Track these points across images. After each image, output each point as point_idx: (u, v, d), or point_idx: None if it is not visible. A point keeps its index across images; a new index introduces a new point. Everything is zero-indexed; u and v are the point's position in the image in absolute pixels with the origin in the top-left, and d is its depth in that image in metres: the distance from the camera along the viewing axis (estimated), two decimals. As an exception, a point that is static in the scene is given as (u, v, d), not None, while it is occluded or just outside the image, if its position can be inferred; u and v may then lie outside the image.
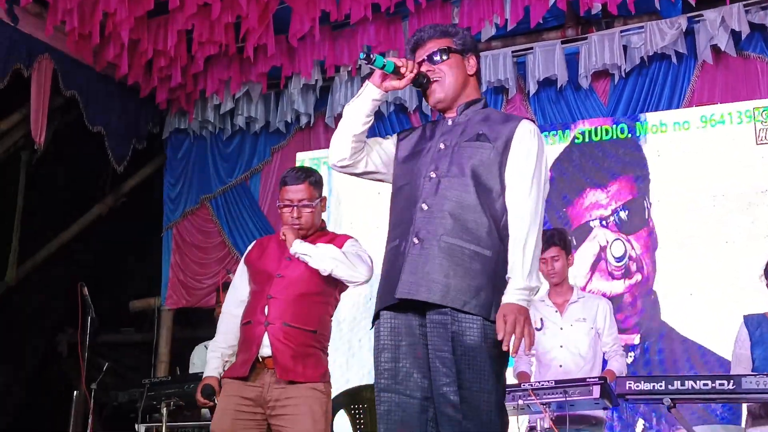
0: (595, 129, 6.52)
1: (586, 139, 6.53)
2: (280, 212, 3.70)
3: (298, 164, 7.32)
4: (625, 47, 6.52)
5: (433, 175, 2.58)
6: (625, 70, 6.51)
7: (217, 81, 7.30)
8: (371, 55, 2.54)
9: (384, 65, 2.57)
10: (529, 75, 6.75)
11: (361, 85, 2.70)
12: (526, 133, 2.63)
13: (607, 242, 6.28)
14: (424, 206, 2.54)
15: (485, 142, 2.61)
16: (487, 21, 6.46)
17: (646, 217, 6.18)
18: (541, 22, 6.42)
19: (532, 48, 6.78)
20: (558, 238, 4.59)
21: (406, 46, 2.77)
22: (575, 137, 6.56)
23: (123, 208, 8.25)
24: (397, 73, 2.62)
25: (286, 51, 7.03)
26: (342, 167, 2.70)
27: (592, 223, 6.33)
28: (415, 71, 2.63)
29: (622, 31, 6.55)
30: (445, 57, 2.68)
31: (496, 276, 2.52)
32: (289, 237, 3.60)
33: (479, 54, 2.80)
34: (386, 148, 2.74)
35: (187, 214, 7.80)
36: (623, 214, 6.25)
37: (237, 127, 7.75)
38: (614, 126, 6.50)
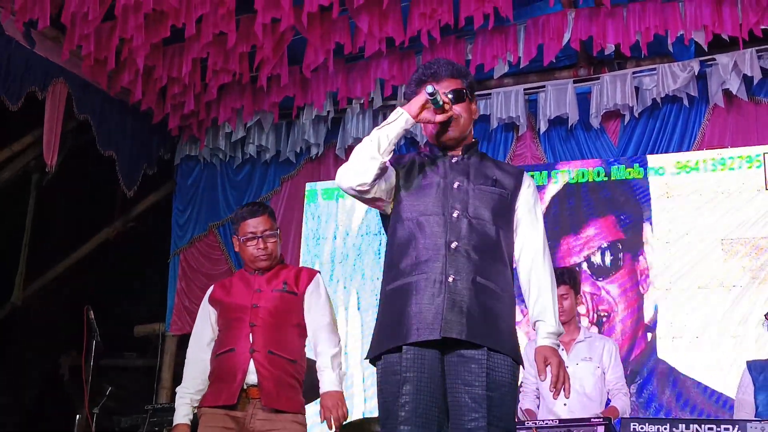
0: (603, 168, 6.55)
1: (595, 178, 6.55)
2: (241, 249, 3.64)
3: (308, 194, 7.44)
4: (636, 88, 6.55)
5: (456, 214, 2.60)
6: (636, 111, 6.55)
7: (229, 109, 7.33)
8: (436, 91, 2.59)
9: (437, 101, 2.62)
10: (541, 113, 6.77)
11: (376, 119, 2.71)
12: (531, 185, 2.75)
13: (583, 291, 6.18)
14: (454, 245, 2.56)
15: (502, 189, 2.67)
16: (500, 58, 6.44)
17: (640, 254, 6.19)
18: (554, 60, 6.38)
19: (544, 86, 6.81)
20: (568, 277, 4.62)
21: (417, 76, 2.76)
22: (580, 176, 6.60)
23: (131, 232, 8.26)
24: (441, 109, 2.65)
25: (299, 82, 7.05)
26: (360, 191, 2.64)
27: (580, 259, 6.35)
28: (452, 110, 2.67)
29: (634, 73, 6.57)
30: (462, 97, 2.72)
31: (512, 318, 2.61)
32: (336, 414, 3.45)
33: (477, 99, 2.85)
34: (389, 175, 2.72)
35: (194, 240, 7.83)
36: (599, 258, 6.31)
37: (247, 156, 7.78)
38: (620, 166, 6.52)
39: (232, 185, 7.84)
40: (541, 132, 6.83)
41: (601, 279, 6.32)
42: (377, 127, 2.65)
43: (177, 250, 7.83)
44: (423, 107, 2.64)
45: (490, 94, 6.92)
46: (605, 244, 6.41)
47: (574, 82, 6.75)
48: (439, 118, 2.65)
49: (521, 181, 2.73)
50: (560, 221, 6.56)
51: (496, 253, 2.60)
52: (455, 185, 2.66)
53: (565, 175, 6.69)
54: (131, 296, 8.81)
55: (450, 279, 2.51)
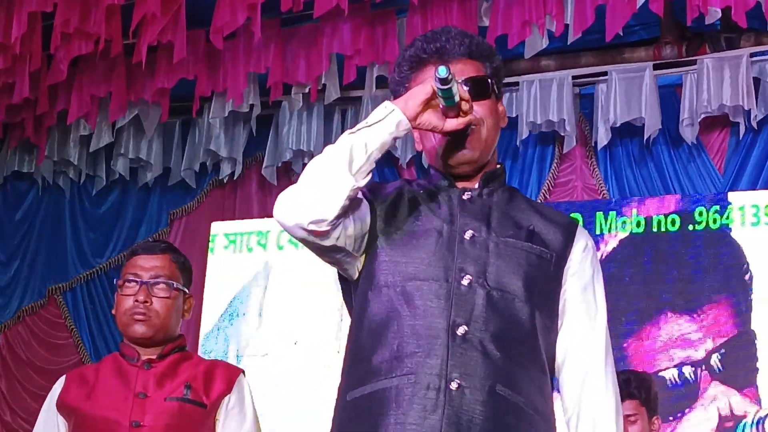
0: (698, 210, 6.53)
1: (680, 226, 6.55)
2: (116, 304, 3.66)
3: (215, 240, 7.51)
4: (757, 80, 6.52)
5: (465, 281, 2.58)
6: (756, 117, 6.48)
7: (88, 99, 7.29)
8: (452, 75, 2.52)
9: (454, 94, 2.56)
10: (600, 117, 6.78)
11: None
12: (589, 247, 2.76)
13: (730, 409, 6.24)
14: (461, 330, 2.53)
15: (542, 247, 2.68)
16: (536, 26, 6.39)
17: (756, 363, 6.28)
18: (621, 34, 6.30)
19: (606, 74, 6.82)
20: (636, 387, 4.62)
21: (412, 53, 2.78)
22: (663, 221, 6.62)
23: None
24: (455, 108, 2.58)
25: (205, 56, 7.05)
26: (312, 232, 2.57)
27: (667, 373, 6.37)
28: (472, 114, 2.64)
29: (753, 55, 6.55)
30: (484, 95, 2.72)
31: None
32: None
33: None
34: (360, 213, 2.68)
35: (23, 313, 7.83)
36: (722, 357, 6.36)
37: (116, 176, 7.79)
38: (727, 208, 6.50)
39: (89, 223, 7.84)
40: (600, 147, 6.84)
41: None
42: (349, 131, 2.62)
43: (-5, 329, 7.86)
44: (427, 103, 2.59)
45: (517, 84, 6.92)
46: (716, 345, 6.36)
47: (655, 68, 6.73)
48: (452, 124, 2.61)
49: (573, 238, 2.73)
50: (626, 296, 6.51)
51: (528, 349, 2.60)
52: (467, 236, 2.65)
53: (637, 218, 6.65)
54: None
55: (453, 386, 2.48)
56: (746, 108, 6.38)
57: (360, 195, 2.65)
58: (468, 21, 6.43)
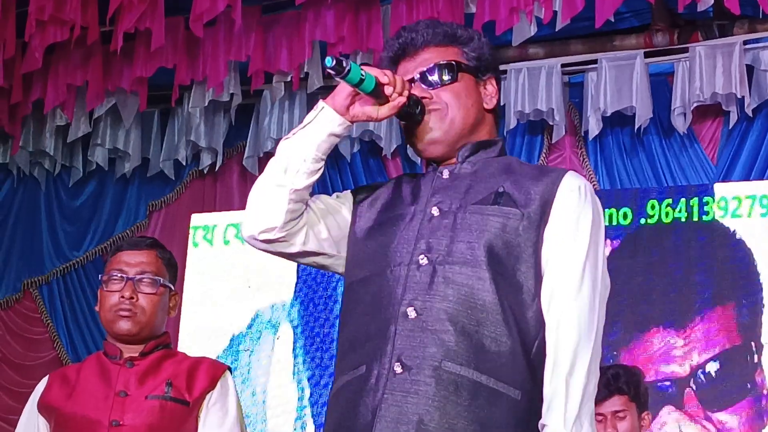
0: (688, 203, 6.54)
1: (684, 217, 6.54)
2: (101, 301, 3.66)
3: (195, 232, 7.52)
4: (750, 68, 6.50)
5: (423, 260, 2.59)
6: (750, 105, 6.48)
7: (64, 87, 7.23)
8: (344, 63, 2.56)
9: (362, 79, 2.59)
10: (589, 106, 6.77)
11: (310, 107, 3.03)
12: (574, 192, 2.67)
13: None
14: (411, 312, 2.54)
15: (511, 207, 2.62)
16: (524, 12, 6.34)
17: (754, 376, 6.28)
18: (612, 20, 6.30)
19: (596, 62, 6.81)
20: (625, 381, 4.56)
21: (386, 53, 2.83)
22: (661, 213, 6.60)
23: None
24: (377, 94, 2.61)
25: (184, 44, 7.02)
26: (266, 241, 2.66)
27: (662, 386, 6.43)
28: (406, 94, 2.66)
29: (746, 42, 6.54)
30: (448, 78, 2.74)
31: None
32: None
33: (500, 75, 2.90)
34: (337, 215, 2.76)
35: None
36: (713, 369, 6.34)
37: (93, 166, 7.78)
38: (722, 202, 6.49)
39: (66, 216, 7.85)
40: (590, 137, 6.84)
41: (714, 410, 6.31)
42: (285, 137, 2.73)
43: (-34, 325, 7.88)
44: (354, 95, 2.64)
45: (505, 72, 6.80)
46: (714, 353, 6.35)
47: (646, 55, 6.74)
48: (384, 110, 2.65)
49: (556, 186, 2.66)
50: (622, 296, 6.46)
51: (491, 321, 2.54)
52: (432, 213, 2.66)
53: (629, 212, 6.64)
54: None
55: (397, 368, 2.50)
56: (739, 96, 6.40)
57: (348, 197, 2.76)
58: (454, 7, 6.42)
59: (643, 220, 6.63)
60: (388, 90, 2.62)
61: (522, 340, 2.55)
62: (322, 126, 2.65)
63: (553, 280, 2.61)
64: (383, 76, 2.62)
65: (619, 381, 4.49)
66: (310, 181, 2.65)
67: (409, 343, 2.53)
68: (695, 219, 6.50)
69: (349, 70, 2.56)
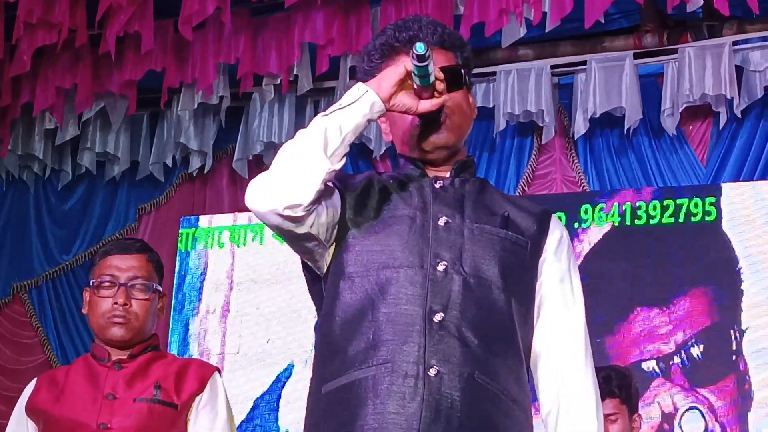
0: (674, 204, 6.56)
1: (668, 219, 6.56)
2: (90, 305, 3.63)
3: (183, 234, 7.50)
4: (739, 69, 6.51)
5: (443, 266, 2.60)
6: (738, 106, 6.49)
7: (53, 90, 7.26)
8: (428, 52, 2.55)
9: (430, 73, 2.59)
10: (579, 107, 6.78)
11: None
12: (564, 238, 2.78)
13: (675, 409, 6.30)
14: (439, 317, 2.54)
15: (519, 235, 2.69)
16: (513, 14, 6.36)
17: (734, 356, 6.30)
18: (602, 21, 6.30)
19: (585, 63, 6.83)
20: (617, 385, 4.59)
21: (383, 41, 2.81)
22: (645, 213, 6.63)
23: None
24: (429, 89, 2.61)
25: (173, 47, 7.05)
26: (287, 218, 2.57)
27: (646, 365, 6.44)
28: (445, 93, 2.67)
29: (735, 43, 6.55)
30: (456, 84, 2.73)
31: None
32: None
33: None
34: (330, 201, 2.70)
35: None
36: (696, 352, 6.35)
37: (83, 170, 7.78)
38: (703, 200, 6.52)
39: (54, 219, 7.84)
40: (579, 138, 6.86)
41: (700, 386, 6.35)
42: (322, 114, 2.64)
43: (-44, 329, 7.82)
44: (401, 84, 2.62)
45: (494, 74, 6.91)
46: (691, 335, 6.39)
47: (636, 56, 6.75)
48: (426, 105, 2.64)
49: (547, 228, 2.74)
50: (605, 290, 6.50)
51: (506, 337, 2.60)
52: (441, 222, 2.66)
53: (617, 211, 6.66)
54: None
55: (432, 372, 2.49)
56: (729, 97, 6.41)
57: (330, 183, 2.67)
58: (443, 9, 6.43)
59: (629, 221, 6.59)
60: (440, 87, 2.62)
61: (524, 360, 2.62)
62: (362, 109, 2.62)
63: (558, 330, 2.67)
64: (440, 73, 2.62)
65: (610, 384, 4.49)
66: (342, 163, 2.62)
67: (440, 348, 2.53)
68: (681, 221, 6.49)
69: (429, 61, 2.56)
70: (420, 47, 2.53)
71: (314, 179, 2.54)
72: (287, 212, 2.54)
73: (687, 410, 6.31)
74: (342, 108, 2.61)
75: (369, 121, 2.62)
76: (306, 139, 2.58)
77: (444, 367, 2.50)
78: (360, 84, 2.65)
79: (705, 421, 6.27)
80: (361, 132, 2.65)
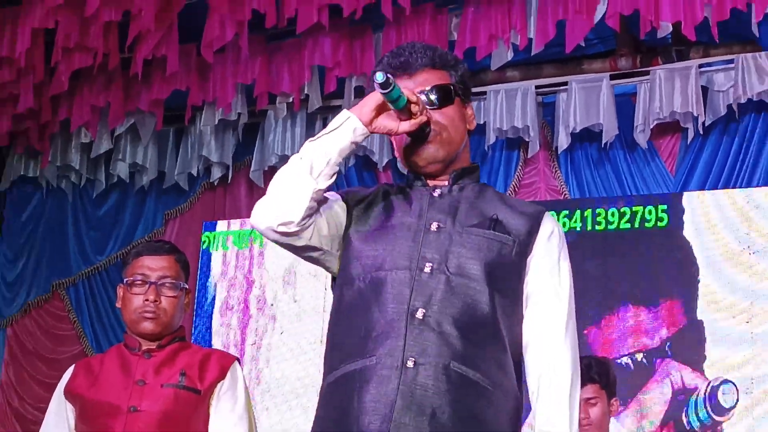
0: (648, 209, 6.63)
1: (637, 224, 6.63)
2: (123, 301, 3.71)
3: (206, 239, 7.60)
4: (705, 89, 6.57)
5: (427, 268, 2.63)
6: (704, 123, 6.55)
7: (88, 108, 7.34)
8: (391, 79, 2.55)
9: (399, 96, 2.60)
10: (561, 123, 6.81)
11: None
12: (556, 232, 2.77)
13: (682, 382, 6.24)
14: (420, 313, 2.58)
15: (504, 234, 2.70)
16: (501, 39, 6.48)
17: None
18: (582, 45, 6.40)
19: (566, 83, 6.86)
20: (597, 372, 4.69)
21: (379, 70, 2.71)
22: (621, 218, 6.70)
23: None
24: (405, 111, 2.64)
25: (196, 69, 7.11)
26: (282, 233, 2.65)
27: (624, 360, 6.45)
28: (426, 114, 2.68)
29: (701, 66, 6.60)
30: (446, 100, 2.76)
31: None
32: None
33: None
34: (335, 214, 2.76)
35: (29, 307, 7.87)
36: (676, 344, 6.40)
37: (115, 179, 7.85)
38: (676, 207, 6.54)
39: (90, 224, 7.86)
40: (561, 151, 6.89)
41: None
42: (311, 139, 2.70)
43: (2, 322, 7.89)
44: (379, 109, 2.66)
45: (485, 93, 6.99)
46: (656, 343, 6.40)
47: (612, 78, 6.80)
48: (405, 126, 2.65)
49: (539, 224, 2.75)
50: (585, 294, 6.41)
51: (488, 329, 2.61)
52: (433, 227, 2.70)
53: (595, 218, 6.72)
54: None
55: (409, 363, 2.53)
56: (695, 114, 6.45)
57: (339, 199, 2.75)
58: (439, 35, 6.53)
59: (600, 226, 6.66)
60: (414, 108, 2.62)
61: (512, 353, 2.64)
62: (346, 133, 2.65)
63: (549, 314, 2.69)
64: (412, 95, 2.63)
65: (591, 371, 4.59)
66: (330, 183, 2.65)
67: (419, 342, 2.56)
68: (649, 225, 6.57)
69: (392, 87, 2.56)
70: (379, 76, 2.54)
71: (302, 198, 2.60)
72: (281, 228, 2.61)
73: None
74: (328, 133, 2.65)
75: (355, 143, 2.66)
76: (296, 163, 2.64)
77: (421, 359, 2.54)
78: (345, 110, 2.68)
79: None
80: (349, 152, 2.68)
